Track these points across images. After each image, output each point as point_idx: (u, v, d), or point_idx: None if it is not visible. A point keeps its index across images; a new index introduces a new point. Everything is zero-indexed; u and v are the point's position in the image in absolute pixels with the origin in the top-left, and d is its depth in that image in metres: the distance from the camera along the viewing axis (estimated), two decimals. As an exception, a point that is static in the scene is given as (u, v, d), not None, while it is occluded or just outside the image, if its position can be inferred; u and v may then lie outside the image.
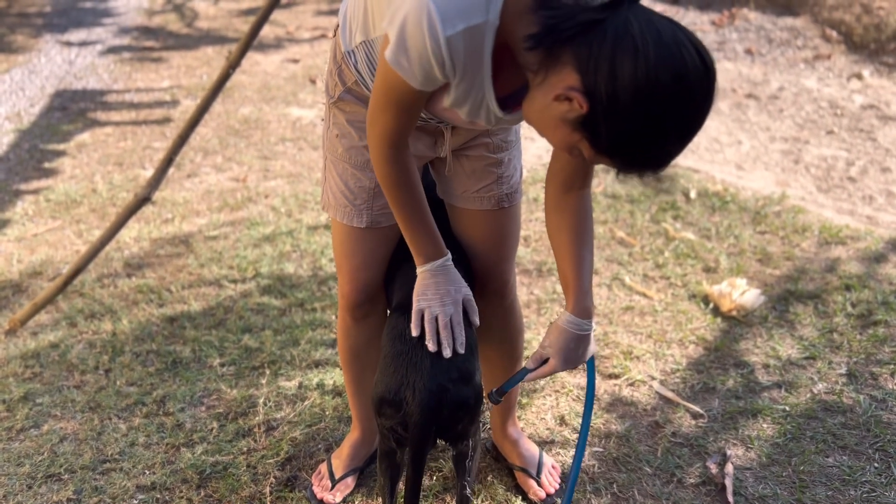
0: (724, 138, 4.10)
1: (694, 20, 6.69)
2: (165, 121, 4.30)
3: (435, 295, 1.39)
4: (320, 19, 6.61)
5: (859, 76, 5.01)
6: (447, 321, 1.36)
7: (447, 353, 1.34)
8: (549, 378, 2.23)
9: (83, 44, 5.80)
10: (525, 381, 1.49)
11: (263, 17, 2.05)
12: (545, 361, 1.45)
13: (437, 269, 1.40)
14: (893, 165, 3.68)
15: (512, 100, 1.25)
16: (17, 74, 4.99)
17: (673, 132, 1.09)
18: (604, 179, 3.51)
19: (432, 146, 1.54)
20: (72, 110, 4.44)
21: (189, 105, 4.53)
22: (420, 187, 1.39)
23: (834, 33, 5.79)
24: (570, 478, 1.52)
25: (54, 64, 5.26)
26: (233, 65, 2.13)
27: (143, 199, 2.27)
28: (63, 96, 4.65)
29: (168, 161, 2.21)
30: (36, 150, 3.88)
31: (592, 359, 1.50)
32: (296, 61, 5.47)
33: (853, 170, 3.66)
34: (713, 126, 4.26)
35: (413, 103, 1.25)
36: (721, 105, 4.60)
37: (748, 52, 5.73)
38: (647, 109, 1.04)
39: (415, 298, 1.40)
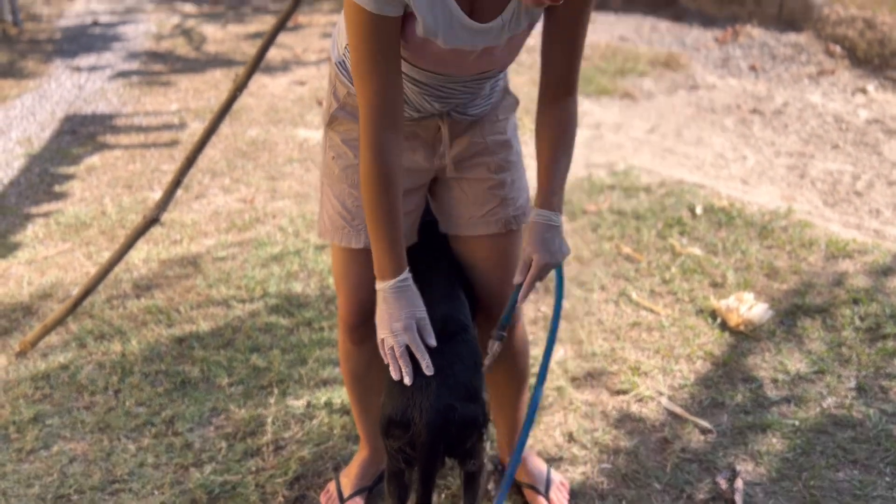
0: (730, 154, 4.11)
1: (698, 37, 6.73)
2: (173, 143, 4.34)
3: (385, 323, 1.36)
4: (327, 42, 6.68)
5: (864, 91, 5.02)
6: (402, 349, 1.33)
7: (407, 381, 1.32)
8: (557, 395, 2.23)
9: (93, 69, 5.87)
10: (521, 297, 1.46)
11: (269, 41, 2.08)
12: (529, 268, 1.45)
13: (391, 290, 1.36)
14: (900, 179, 3.68)
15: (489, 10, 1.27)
16: (28, 100, 5.06)
17: None
18: (610, 196, 3.52)
19: (431, 156, 1.53)
20: (81, 134, 4.49)
21: (197, 128, 4.58)
22: (400, 195, 1.36)
23: (838, 48, 5.80)
24: (539, 374, 1.50)
25: (64, 89, 5.33)
26: (240, 87, 2.16)
27: (151, 221, 2.29)
28: (73, 120, 4.70)
29: (176, 183, 2.23)
30: (46, 174, 3.93)
31: (561, 267, 1.51)
32: (303, 83, 5.52)
33: (859, 184, 3.66)
34: (718, 142, 4.28)
35: (385, 40, 1.24)
36: (726, 121, 4.62)
37: (752, 68, 5.75)
38: None
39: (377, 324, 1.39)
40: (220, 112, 2.13)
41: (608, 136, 4.39)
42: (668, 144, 4.24)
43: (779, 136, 4.31)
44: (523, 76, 5.55)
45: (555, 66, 1.41)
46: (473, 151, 1.55)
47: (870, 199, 3.50)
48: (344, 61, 1.48)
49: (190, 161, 2.18)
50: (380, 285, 1.38)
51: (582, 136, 4.36)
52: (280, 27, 2.06)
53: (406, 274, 1.37)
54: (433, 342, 1.36)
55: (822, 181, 3.73)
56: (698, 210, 3.34)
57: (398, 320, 1.34)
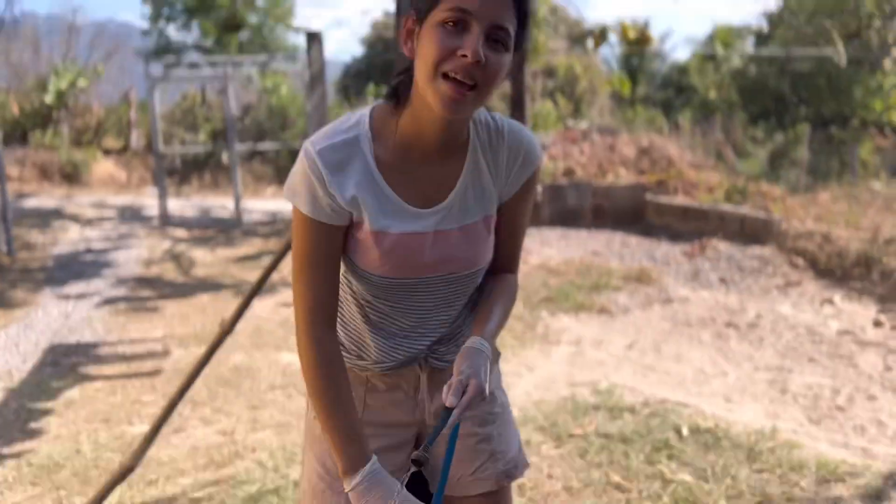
0: (709, 369, 4.16)
1: (667, 251, 7.05)
2: (156, 373, 4.33)
3: None
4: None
5: (831, 301, 5.20)
6: None
7: None
8: None
9: (81, 296, 5.99)
10: (452, 419, 1.28)
11: (255, 291, 2.16)
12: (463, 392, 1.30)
13: (362, 485, 1.29)
14: (879, 393, 3.71)
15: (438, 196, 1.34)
16: (13, 330, 5.10)
17: None
18: (595, 418, 3.50)
19: (412, 409, 1.51)
20: (63, 365, 4.48)
21: (181, 355, 4.60)
22: (346, 386, 1.33)
23: (800, 261, 6.09)
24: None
25: (51, 318, 5.40)
26: (226, 332, 2.21)
27: (127, 470, 2.23)
28: (56, 351, 4.71)
29: (155, 430, 2.21)
30: (23, 410, 3.86)
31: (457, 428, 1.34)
32: (288, 305, 5.64)
33: (840, 398, 3.69)
34: (697, 356, 4.34)
35: (323, 246, 1.31)
36: (702, 335, 4.72)
37: (722, 280, 5.99)
38: None
39: None
40: (205, 357, 2.16)
41: (589, 353, 4.45)
42: (649, 361, 4.30)
43: (756, 350, 4.39)
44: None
45: (503, 250, 1.46)
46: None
47: (853, 415, 3.50)
48: None
49: (171, 407, 2.17)
50: (348, 485, 1.30)
51: (563, 352, 4.42)
52: (266, 278, 2.15)
53: (373, 462, 1.30)
54: None
55: (803, 396, 3.75)
56: (684, 431, 3.32)
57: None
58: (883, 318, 4.80)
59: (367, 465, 1.30)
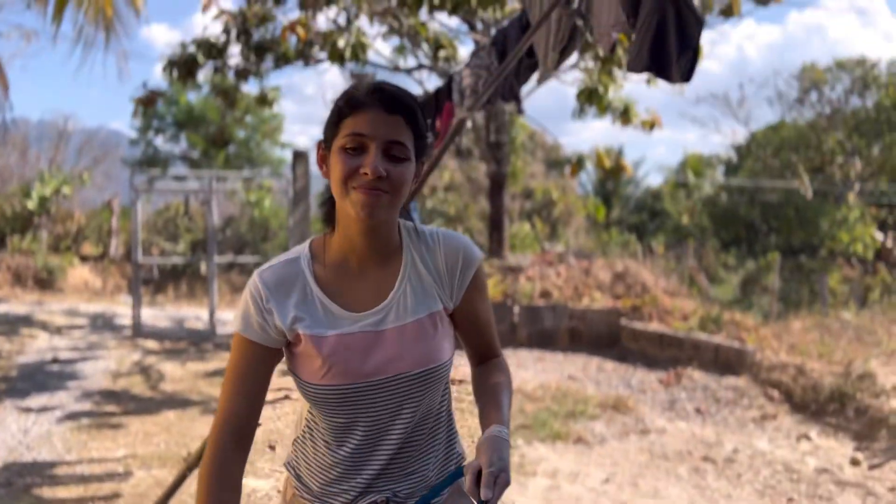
0: (688, 507, 4.06)
1: (642, 379, 7.03)
2: (114, 496, 4.14)
3: None
4: (284, 380, 6.79)
5: (808, 437, 5.17)
6: None
7: None
8: None
9: (43, 409, 5.79)
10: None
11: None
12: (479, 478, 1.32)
13: None
14: (860, 538, 3.64)
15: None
16: (-33, 445, 4.89)
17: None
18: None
19: None
20: (17, 486, 4.27)
21: (141, 477, 4.41)
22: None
23: (776, 393, 6.09)
24: None
25: (8, 433, 5.19)
26: (190, 467, 2.14)
27: None
28: (11, 470, 4.50)
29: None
30: (-32, 535, 3.65)
31: None
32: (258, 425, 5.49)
33: (821, 543, 3.60)
34: (675, 493, 4.25)
35: (245, 363, 1.39)
36: (679, 469, 4.64)
37: (698, 411, 5.95)
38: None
39: None
40: (168, 492, 2.07)
41: (565, 487, 4.34)
42: (626, 497, 4.19)
43: (734, 488, 4.31)
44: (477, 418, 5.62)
45: (474, 345, 1.56)
46: None
47: (835, 562, 3.41)
48: (292, 462, 1.52)
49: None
50: None
51: (538, 485, 4.30)
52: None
53: None
54: None
55: (783, 540, 3.66)
56: (663, 576, 3.20)
57: None
58: (859, 456, 4.77)
59: None
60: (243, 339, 1.40)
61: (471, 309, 1.50)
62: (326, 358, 1.38)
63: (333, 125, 1.37)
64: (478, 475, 1.33)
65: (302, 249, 1.46)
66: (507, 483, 1.31)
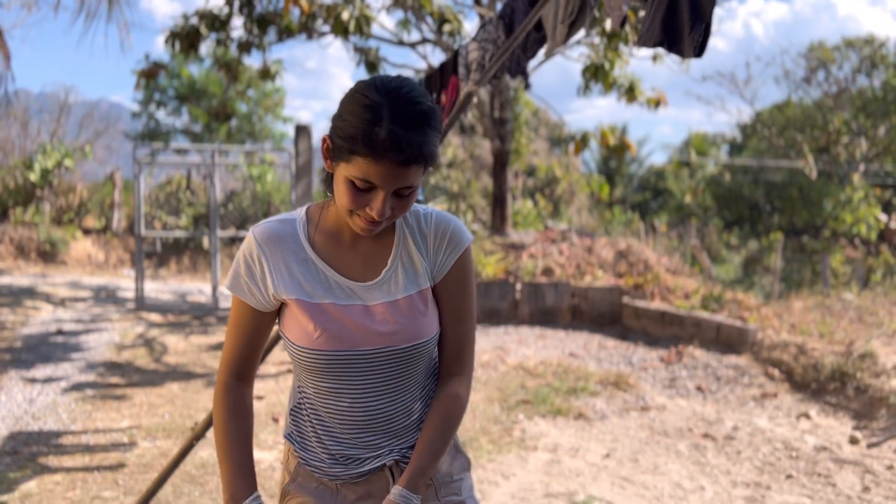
0: (687, 483, 4.09)
1: (643, 356, 7.05)
2: (119, 466, 4.18)
3: None
4: (286, 354, 6.83)
5: (807, 415, 5.19)
6: None
7: None
8: None
9: (48, 380, 5.83)
10: None
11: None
12: None
13: None
14: (857, 514, 3.67)
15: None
16: (-27, 414, 4.92)
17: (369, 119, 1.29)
18: (570, 533, 3.41)
19: None
20: (23, 455, 4.31)
21: (147, 448, 4.45)
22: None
23: (776, 372, 6.11)
24: None
25: (14, 403, 5.23)
26: (197, 436, 2.15)
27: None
28: (17, 439, 4.55)
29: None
30: (-24, 503, 3.69)
31: None
32: (260, 398, 5.52)
33: (819, 519, 3.63)
34: (675, 469, 4.28)
35: (238, 317, 1.46)
36: (680, 445, 4.67)
37: (699, 388, 5.98)
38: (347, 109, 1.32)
39: None
40: (175, 461, 2.09)
41: (566, 461, 4.37)
42: (626, 472, 4.23)
43: (733, 465, 4.35)
44: (479, 392, 5.65)
45: (447, 342, 1.51)
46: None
47: (832, 538, 3.44)
48: (292, 433, 1.54)
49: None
50: None
51: (540, 460, 4.34)
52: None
53: (255, 497, 1.41)
54: None
55: (781, 515, 3.69)
56: (662, 550, 3.23)
57: None
58: (858, 435, 4.79)
59: (253, 495, 1.41)
60: (236, 298, 1.47)
61: (448, 293, 1.48)
62: (318, 323, 1.41)
63: (346, 150, 1.30)
64: None
65: (298, 213, 1.49)
66: None
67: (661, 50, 9.29)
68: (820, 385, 5.71)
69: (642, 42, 1.99)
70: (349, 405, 1.46)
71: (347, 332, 1.41)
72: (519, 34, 2.54)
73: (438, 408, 1.49)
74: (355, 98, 1.32)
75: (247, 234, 1.50)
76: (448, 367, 1.52)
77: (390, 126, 1.27)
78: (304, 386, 1.51)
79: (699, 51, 1.93)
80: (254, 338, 1.49)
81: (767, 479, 4.13)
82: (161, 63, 10.33)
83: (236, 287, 1.45)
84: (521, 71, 3.02)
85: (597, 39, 9.04)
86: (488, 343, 7.59)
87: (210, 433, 4.95)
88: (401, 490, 1.40)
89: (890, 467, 4.26)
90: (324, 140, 1.38)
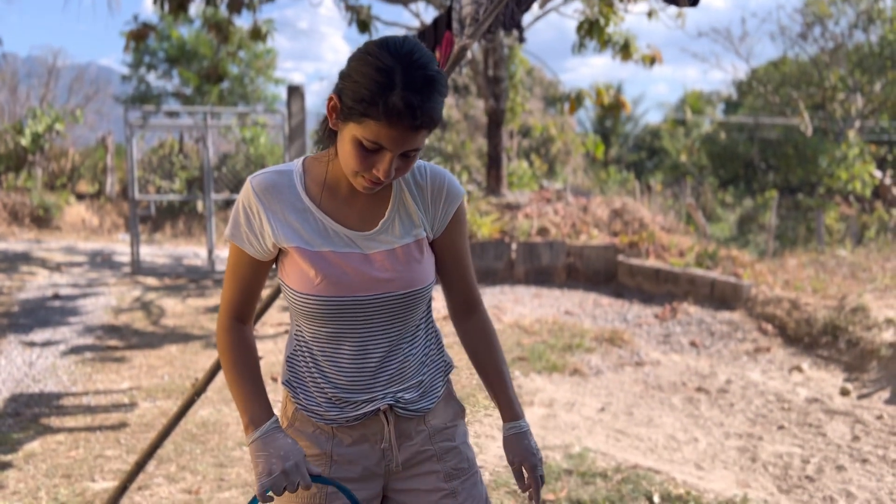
0: (681, 435, 4.17)
1: (638, 313, 7.11)
2: (121, 426, 4.23)
3: (265, 467, 1.38)
4: (285, 315, 6.86)
5: (799, 369, 5.26)
6: (294, 486, 1.37)
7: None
8: None
9: (46, 343, 5.86)
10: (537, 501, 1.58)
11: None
12: (523, 476, 1.59)
13: (266, 435, 1.41)
14: (846, 462, 3.74)
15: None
16: (-27, 378, 4.96)
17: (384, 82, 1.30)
18: (567, 483, 3.48)
19: (379, 461, 1.53)
20: (25, 416, 4.36)
21: (147, 408, 4.50)
22: (256, 360, 1.50)
23: (770, 327, 6.18)
24: None
25: (14, 366, 5.27)
26: (198, 392, 2.18)
27: (89, 532, 2.17)
28: (18, 401, 4.59)
29: (120, 491, 2.15)
30: (-20, 462, 3.74)
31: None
32: (259, 358, 5.57)
33: (809, 468, 3.71)
34: (669, 422, 4.35)
35: (237, 264, 1.49)
36: (674, 399, 4.74)
37: (693, 344, 6.04)
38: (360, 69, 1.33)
39: (257, 481, 1.38)
40: (176, 416, 2.12)
41: (561, 415, 4.44)
42: (620, 425, 4.30)
43: (726, 417, 4.42)
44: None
45: (457, 284, 1.62)
46: (422, 458, 1.56)
47: (822, 486, 3.52)
48: (290, 380, 1.56)
49: (139, 466, 2.12)
50: (249, 439, 1.43)
51: (535, 414, 4.40)
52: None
53: (273, 420, 1.44)
54: (317, 470, 1.41)
55: (773, 465, 3.77)
56: (656, 499, 3.30)
57: (281, 459, 1.37)
58: (849, 386, 4.87)
59: (266, 423, 1.43)
60: (235, 245, 1.49)
61: (451, 242, 1.57)
62: (318, 269, 1.44)
63: (358, 113, 1.32)
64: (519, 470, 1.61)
65: (295, 164, 1.51)
66: (543, 479, 1.60)
67: (655, 4, 9.18)
68: (812, 339, 5.78)
69: (637, -9, 1.97)
70: (347, 350, 1.49)
71: (347, 279, 1.44)
72: (512, -14, 2.51)
73: (486, 341, 1.63)
74: (367, 60, 1.33)
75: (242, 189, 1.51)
76: (466, 304, 1.64)
77: (404, 92, 1.29)
78: (302, 332, 1.53)
79: (695, 0, 1.91)
80: (251, 283, 1.53)
81: (760, 430, 4.20)
82: (150, 24, 10.18)
83: (236, 236, 1.47)
84: (515, 24, 2.99)
85: (591, -5, 8.93)
86: (485, 302, 7.64)
87: (210, 390, 4.98)
88: (509, 424, 1.61)
89: (879, 417, 4.33)
90: (330, 98, 1.38)
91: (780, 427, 4.24)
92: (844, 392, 4.79)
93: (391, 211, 1.49)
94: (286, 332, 6.31)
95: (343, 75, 1.37)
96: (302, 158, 1.53)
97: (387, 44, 1.34)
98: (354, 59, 1.35)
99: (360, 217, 1.48)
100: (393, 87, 1.29)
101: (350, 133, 1.35)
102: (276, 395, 4.74)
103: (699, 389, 4.91)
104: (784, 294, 6.69)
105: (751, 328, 6.28)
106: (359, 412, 1.51)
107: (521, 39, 3.14)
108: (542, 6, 3.31)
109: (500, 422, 1.64)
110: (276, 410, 1.55)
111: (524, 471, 1.60)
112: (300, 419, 1.54)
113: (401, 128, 1.31)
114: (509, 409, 1.62)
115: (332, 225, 1.46)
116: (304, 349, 1.53)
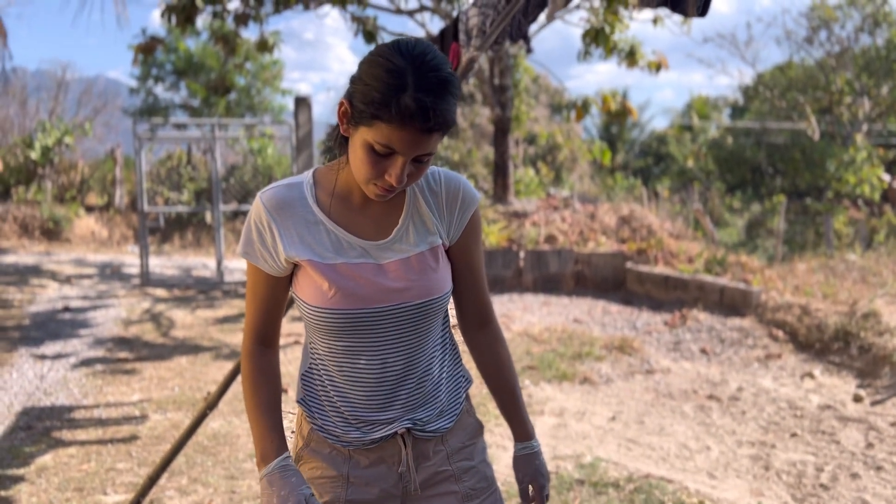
0: (693, 444, 4.14)
1: (648, 321, 7.09)
2: (132, 438, 4.24)
3: (276, 502, 1.38)
4: (295, 325, 6.87)
5: (811, 375, 5.23)
6: None
7: None
8: None
9: (57, 356, 5.88)
10: None
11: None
12: (528, 496, 1.61)
13: (276, 470, 1.40)
14: (861, 470, 3.72)
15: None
16: (-15, 391, 4.98)
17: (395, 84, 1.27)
18: (579, 493, 3.46)
19: (396, 483, 1.51)
20: (37, 430, 4.37)
21: (158, 420, 4.51)
22: (277, 389, 1.49)
23: (780, 333, 6.14)
24: None
25: (25, 379, 5.28)
26: (210, 406, 2.18)
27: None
28: (30, 414, 4.60)
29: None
30: (-7, 476, 3.75)
31: None
32: (282, 389, 5.57)
33: (823, 476, 3.68)
34: (680, 431, 4.33)
35: (256, 283, 1.48)
36: (685, 407, 4.72)
37: (703, 351, 6.01)
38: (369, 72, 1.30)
39: None
40: (189, 430, 2.12)
41: (572, 425, 4.42)
42: (632, 434, 4.28)
43: (738, 425, 4.39)
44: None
45: (472, 295, 1.59)
46: (440, 479, 1.54)
47: (836, 494, 3.49)
48: (305, 398, 1.54)
49: (152, 480, 2.12)
50: (262, 473, 1.41)
51: (546, 424, 4.39)
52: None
53: (285, 457, 1.43)
54: None
55: (786, 473, 3.74)
56: (669, 508, 3.29)
57: (282, 500, 1.36)
58: (862, 392, 4.84)
59: (275, 461, 1.42)
60: (251, 264, 1.47)
61: (465, 250, 1.54)
62: (331, 282, 1.41)
63: (369, 115, 1.29)
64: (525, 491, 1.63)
65: (305, 176, 1.49)
66: (548, 498, 1.63)
67: (661, 12, 9.19)
68: (824, 345, 5.74)
69: (644, 3, 1.97)
70: (364, 364, 1.46)
71: (361, 290, 1.42)
72: (519, -2, 2.51)
73: (497, 356, 1.62)
74: (378, 62, 1.30)
75: (250, 206, 1.51)
76: (478, 316, 1.61)
77: (416, 93, 1.26)
78: (317, 348, 1.51)
79: (703, 9, 1.92)
80: (272, 303, 1.50)
81: (772, 438, 4.18)
82: (158, 37, 10.25)
83: (250, 253, 1.45)
84: (522, 35, 3.00)
85: (597, 2, 8.94)
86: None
87: (222, 403, 4.98)
88: (521, 445, 1.63)
89: (893, 424, 4.30)
90: (341, 103, 1.36)
91: (793, 434, 4.21)
92: (857, 398, 4.76)
93: (405, 218, 1.46)
94: (296, 342, 6.32)
95: (354, 79, 1.34)
96: (312, 170, 1.51)
97: (398, 45, 1.31)
98: (365, 62, 1.33)
99: (374, 226, 1.46)
100: (405, 88, 1.26)
101: (361, 137, 1.32)
102: (286, 406, 4.74)
103: (710, 397, 4.88)
104: (794, 300, 6.66)
105: (761, 334, 6.25)
106: (376, 435, 1.48)
107: (529, 50, 3.14)
108: (549, 18, 3.32)
109: (511, 431, 1.64)
110: (287, 422, 1.54)
111: (531, 489, 1.62)
112: (316, 440, 1.53)
113: (413, 130, 1.27)
114: (521, 428, 1.63)
115: (344, 236, 1.44)
116: (320, 366, 1.51)
